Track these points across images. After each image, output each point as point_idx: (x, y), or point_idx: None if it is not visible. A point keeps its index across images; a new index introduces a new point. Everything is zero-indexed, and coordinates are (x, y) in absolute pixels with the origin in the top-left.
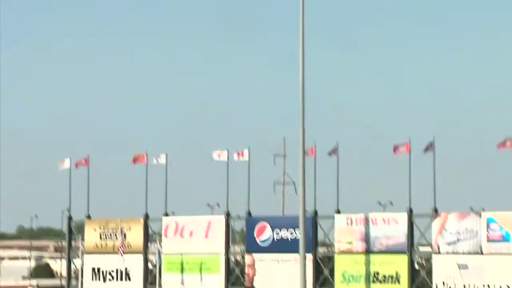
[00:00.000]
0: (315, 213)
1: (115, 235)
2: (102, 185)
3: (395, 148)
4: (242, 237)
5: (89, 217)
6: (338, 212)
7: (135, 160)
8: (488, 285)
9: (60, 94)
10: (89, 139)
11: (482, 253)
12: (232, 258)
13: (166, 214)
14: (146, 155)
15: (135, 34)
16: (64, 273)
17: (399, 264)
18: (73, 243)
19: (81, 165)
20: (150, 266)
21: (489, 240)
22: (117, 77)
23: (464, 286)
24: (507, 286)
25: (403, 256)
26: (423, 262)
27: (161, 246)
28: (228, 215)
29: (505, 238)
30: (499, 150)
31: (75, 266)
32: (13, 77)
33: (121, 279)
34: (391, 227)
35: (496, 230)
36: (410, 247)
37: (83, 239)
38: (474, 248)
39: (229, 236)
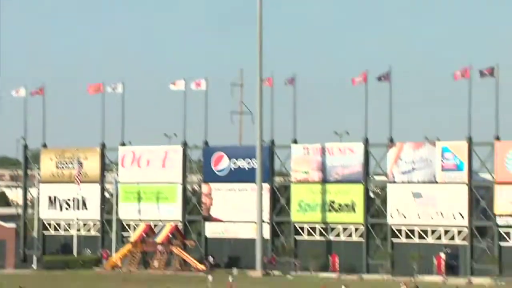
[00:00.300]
0: (272, 142)
1: (72, 164)
2: (58, 114)
3: (353, 80)
4: (199, 166)
5: (45, 146)
6: (295, 142)
7: (91, 89)
8: (442, 213)
9: (16, 21)
10: (45, 68)
11: (436, 182)
12: (189, 188)
13: (123, 144)
14: (103, 84)
15: None
16: (20, 202)
17: (355, 193)
18: (29, 172)
19: (37, 93)
20: (106, 195)
21: (443, 169)
22: (74, 5)
23: (418, 214)
24: (460, 213)
25: (359, 185)
26: (378, 191)
27: (117, 176)
28: (185, 145)
29: (458, 167)
30: (455, 81)
31: (31, 195)
32: None
33: (78, 208)
34: (347, 157)
35: (450, 159)
36: (365, 176)
37: (39, 168)
38: (428, 177)
39: (186, 166)
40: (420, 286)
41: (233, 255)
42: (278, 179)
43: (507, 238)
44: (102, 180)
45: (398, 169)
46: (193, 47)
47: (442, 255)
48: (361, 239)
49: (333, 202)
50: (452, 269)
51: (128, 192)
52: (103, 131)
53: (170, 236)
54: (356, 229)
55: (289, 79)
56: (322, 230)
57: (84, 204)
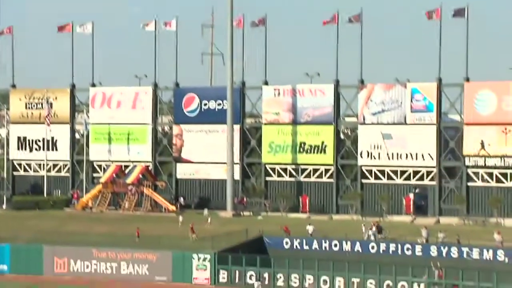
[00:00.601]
0: (243, 84)
1: (41, 104)
2: (27, 54)
3: (324, 21)
4: (170, 108)
5: (14, 86)
6: (266, 83)
7: (60, 28)
8: (411, 154)
9: None
10: (13, 7)
11: (405, 123)
12: (159, 129)
13: (93, 85)
14: (72, 23)
15: None
16: None
17: (325, 134)
18: None
19: (5, 33)
20: (77, 136)
21: (412, 110)
22: None
23: (388, 155)
24: (429, 154)
25: (329, 126)
26: (349, 132)
27: (88, 117)
28: (155, 86)
29: (428, 108)
30: (425, 21)
31: (0, 136)
32: None
33: (48, 148)
34: (318, 98)
35: (420, 100)
36: (336, 117)
37: (8, 109)
38: (398, 119)
39: (157, 107)
40: (383, 226)
41: (203, 196)
42: (248, 121)
43: (475, 179)
44: (72, 121)
45: (369, 110)
46: None
47: (411, 196)
48: (331, 180)
49: (303, 143)
50: (420, 209)
51: (98, 133)
52: (72, 71)
53: (141, 177)
54: (327, 170)
55: (259, 19)
56: (292, 171)
57: (54, 145)
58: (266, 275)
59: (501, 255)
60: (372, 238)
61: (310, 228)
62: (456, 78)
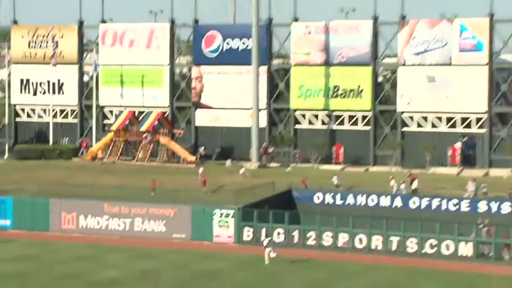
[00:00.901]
0: (270, 21)
1: (46, 43)
2: None
3: None
4: (189, 47)
5: (15, 22)
6: (296, 19)
7: None
8: (458, 99)
9: None
10: None
11: (452, 64)
12: (177, 71)
13: (103, 21)
14: None
15: None
16: None
17: (362, 77)
18: None
19: None
20: (85, 78)
21: (460, 49)
22: None
23: (432, 100)
24: (478, 99)
25: (366, 68)
26: (388, 74)
27: (98, 57)
28: (172, 23)
29: (477, 47)
30: None
31: (2, 77)
32: None
33: (54, 92)
34: (353, 37)
35: (469, 38)
36: (374, 58)
37: (9, 47)
38: (443, 59)
39: (174, 47)
40: (419, 177)
41: (226, 145)
42: (276, 62)
43: None
44: (80, 61)
45: (411, 50)
46: None
47: (458, 145)
48: (368, 128)
49: (337, 87)
50: (468, 160)
51: (109, 75)
52: (80, 6)
53: (157, 124)
54: (363, 117)
55: None
56: (324, 118)
57: (60, 88)
58: (295, 232)
59: None
60: (404, 192)
61: (335, 179)
62: (510, 12)
